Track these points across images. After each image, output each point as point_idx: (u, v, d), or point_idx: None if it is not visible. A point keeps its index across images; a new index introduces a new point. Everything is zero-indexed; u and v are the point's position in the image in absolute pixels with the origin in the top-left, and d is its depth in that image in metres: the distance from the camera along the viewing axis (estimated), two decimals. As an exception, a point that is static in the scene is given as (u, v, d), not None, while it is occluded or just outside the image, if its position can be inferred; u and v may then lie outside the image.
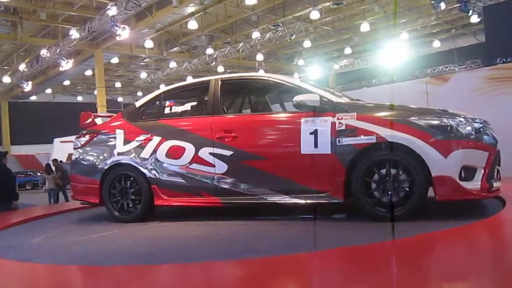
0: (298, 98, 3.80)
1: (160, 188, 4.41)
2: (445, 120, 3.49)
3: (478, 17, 15.24)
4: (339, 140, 3.62)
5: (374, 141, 3.51)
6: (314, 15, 16.46)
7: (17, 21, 16.89)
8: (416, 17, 19.38)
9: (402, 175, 3.47)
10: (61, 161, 12.96)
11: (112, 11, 13.92)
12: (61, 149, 19.46)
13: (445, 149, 3.37)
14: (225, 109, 4.41)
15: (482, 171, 3.42)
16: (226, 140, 4.10)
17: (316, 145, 3.71)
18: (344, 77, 26.23)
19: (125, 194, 4.60)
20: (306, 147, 3.74)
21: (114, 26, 14.23)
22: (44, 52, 17.68)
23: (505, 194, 3.76)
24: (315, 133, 3.72)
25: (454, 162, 3.35)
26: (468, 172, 3.40)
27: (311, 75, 24.11)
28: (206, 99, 4.52)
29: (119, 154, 4.67)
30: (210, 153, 4.17)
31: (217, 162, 4.14)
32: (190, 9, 15.89)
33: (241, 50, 20.04)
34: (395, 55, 20.53)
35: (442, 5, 14.87)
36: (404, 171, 3.46)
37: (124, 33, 14.66)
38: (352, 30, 20.58)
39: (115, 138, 4.74)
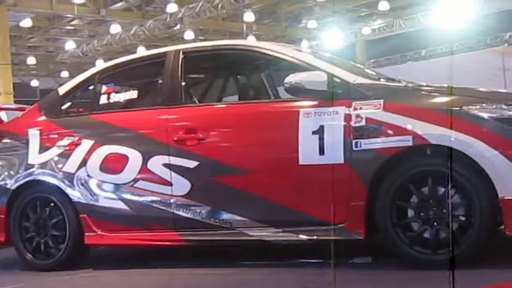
0: (292, 78, 3.77)
1: (92, 219, 4.46)
2: None
3: None
4: (356, 143, 3.58)
5: (411, 143, 3.45)
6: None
7: None
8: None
9: (454, 196, 3.38)
10: None
11: None
12: None
13: None
14: (187, 97, 4.44)
15: None
16: (189, 144, 4.12)
17: (322, 151, 3.68)
18: (379, 46, 26.36)
19: (43, 228, 4.65)
20: (307, 154, 3.72)
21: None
22: None
23: None
24: (320, 132, 3.69)
25: None
26: None
27: (329, 44, 24.21)
28: (160, 81, 4.57)
29: (31, 167, 4.72)
30: (165, 165, 4.19)
31: (175, 178, 4.15)
32: None
33: (220, 5, 20.05)
34: (455, 12, 20.67)
35: None
36: (459, 191, 3.38)
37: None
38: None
39: (27, 143, 4.80)
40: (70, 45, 25.51)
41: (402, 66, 10.78)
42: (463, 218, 3.37)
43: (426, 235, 3.43)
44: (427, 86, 3.96)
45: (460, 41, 21.62)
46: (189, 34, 22.94)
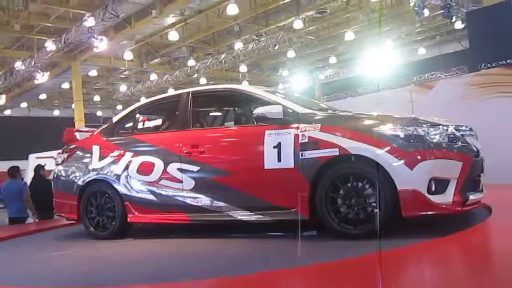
0: (258, 110, 3.76)
1: (133, 205, 4.46)
2: (411, 128, 3.34)
3: (462, 23, 15.56)
4: (302, 154, 3.54)
5: (337, 153, 3.42)
6: (297, 24, 16.62)
7: (-11, 33, 16.72)
8: (400, 24, 19.69)
9: (368, 189, 3.36)
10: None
11: (89, 22, 13.85)
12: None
13: (411, 160, 3.22)
14: (193, 123, 4.41)
15: (456, 183, 3.25)
16: (193, 155, 4.09)
17: (279, 159, 3.64)
18: (330, 87, 26.43)
19: (101, 211, 4.64)
20: (270, 161, 3.68)
21: (91, 38, 14.15)
22: (18, 64, 17.46)
23: (492, 202, 3.75)
24: (278, 146, 3.65)
25: (421, 174, 3.20)
26: (438, 184, 3.23)
27: (296, 86, 24.25)
28: (176, 113, 4.56)
29: (94, 170, 4.71)
30: (178, 169, 4.17)
31: (185, 178, 4.13)
32: (171, 19, 15.88)
33: (223, 61, 20.06)
34: (380, 63, 20.79)
35: (426, 12, 15.15)
36: (370, 185, 3.34)
37: (101, 45, 14.59)
38: (337, 39, 20.81)
39: (91, 154, 4.78)
40: (123, 87, 25.47)
41: (343, 101, 10.80)
42: (374, 204, 3.32)
43: (349, 216, 3.40)
44: (353, 113, 3.93)
45: (383, 82, 21.69)
46: (202, 80, 22.96)
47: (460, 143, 3.42)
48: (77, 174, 4.87)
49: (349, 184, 3.40)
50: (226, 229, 4.29)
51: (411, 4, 14.99)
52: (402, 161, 3.22)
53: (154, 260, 3.53)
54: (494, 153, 5.77)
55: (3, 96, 20.81)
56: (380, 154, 3.27)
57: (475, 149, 3.51)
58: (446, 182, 3.25)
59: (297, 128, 3.63)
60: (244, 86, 4.54)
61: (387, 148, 3.28)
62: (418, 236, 3.26)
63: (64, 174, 5.00)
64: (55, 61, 18.98)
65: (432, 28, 20.86)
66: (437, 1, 14.34)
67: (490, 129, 6.24)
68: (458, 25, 16.65)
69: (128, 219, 4.48)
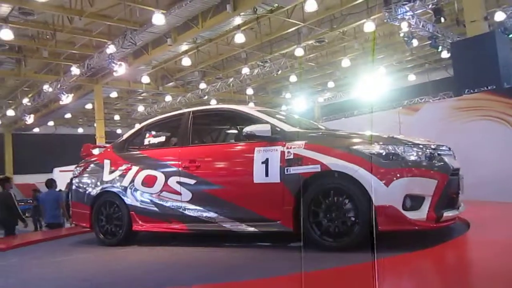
0: (248, 129, 3.69)
1: (137, 215, 4.44)
2: (388, 147, 3.23)
3: (448, 53, 15.60)
4: (287, 169, 3.45)
5: (319, 170, 3.32)
6: (299, 52, 16.74)
7: (21, 59, 16.95)
8: (392, 53, 19.80)
9: (347, 204, 3.23)
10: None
11: (110, 49, 14.07)
12: (60, 178, 19.19)
13: (387, 178, 3.10)
14: (192, 140, 4.36)
15: (430, 200, 3.12)
16: (191, 169, 4.04)
17: (267, 174, 3.55)
18: (328, 108, 26.46)
19: (110, 219, 4.62)
20: (258, 176, 3.60)
21: (111, 63, 14.35)
22: (46, 87, 17.73)
23: (470, 218, 3.66)
24: (266, 162, 3.57)
25: (397, 191, 3.07)
26: (414, 201, 3.10)
27: (297, 108, 24.29)
28: (179, 130, 4.53)
29: (104, 182, 4.70)
30: (177, 182, 4.12)
31: (183, 190, 4.08)
32: (184, 47, 16.07)
33: (231, 84, 20.21)
34: (374, 88, 20.83)
35: (415, 42, 15.23)
36: (350, 200, 3.22)
37: (120, 69, 14.79)
38: (334, 65, 20.93)
39: (103, 168, 4.78)
40: (140, 108, 25.60)
41: (337, 121, 10.80)
42: (353, 218, 3.21)
43: (330, 229, 3.28)
44: (337, 132, 3.86)
45: (376, 105, 21.68)
46: (213, 102, 22.96)
47: (436, 162, 3.30)
48: (90, 186, 4.87)
49: (329, 199, 3.29)
50: (222, 238, 4.23)
51: (402, 35, 15.09)
52: (379, 178, 3.11)
53: (144, 266, 3.47)
54: (475, 172, 5.75)
55: (32, 116, 20.99)
56: (358, 171, 3.17)
57: (451, 167, 3.37)
58: (421, 199, 3.13)
59: (284, 145, 3.55)
60: (238, 106, 4.48)
61: (365, 166, 3.16)
62: (395, 249, 3.06)
63: (79, 186, 5.01)
64: (79, 84, 19.26)
65: (421, 56, 20.93)
66: (425, 32, 14.41)
67: (471, 149, 6.19)
68: (445, 54, 16.71)
69: (133, 228, 4.46)
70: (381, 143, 3.30)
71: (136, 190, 4.43)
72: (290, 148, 3.51)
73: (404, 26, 13.49)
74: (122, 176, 4.58)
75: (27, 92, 20.81)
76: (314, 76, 22.91)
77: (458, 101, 7.06)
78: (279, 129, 3.69)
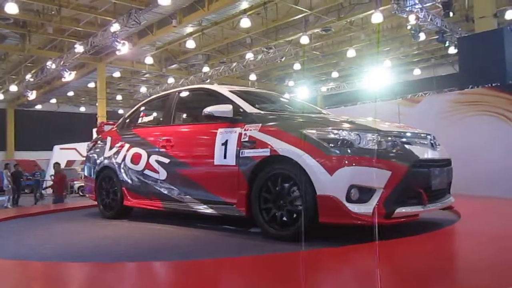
0: (207, 109, 3.57)
1: (128, 191, 4.54)
2: (340, 132, 2.92)
3: (455, 48, 15.48)
4: (242, 152, 3.32)
5: (268, 154, 3.13)
6: (304, 40, 16.63)
7: (25, 34, 16.88)
8: (398, 46, 19.66)
9: (294, 192, 2.99)
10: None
11: (114, 27, 14.00)
12: (60, 155, 19.28)
13: (332, 166, 2.80)
14: (174, 120, 4.35)
15: (381, 193, 2.78)
16: (167, 149, 4.05)
17: (225, 156, 3.44)
18: (331, 99, 26.42)
19: (108, 194, 4.80)
20: (218, 157, 3.50)
21: (115, 42, 14.30)
22: (49, 63, 17.69)
23: (464, 213, 3.60)
24: (225, 144, 3.46)
25: (341, 181, 2.77)
26: (361, 193, 2.79)
27: (301, 96, 24.23)
28: (164, 109, 4.56)
29: (105, 158, 4.84)
30: (156, 160, 4.15)
31: (160, 169, 4.09)
32: (189, 29, 15.98)
33: (235, 69, 20.15)
34: (378, 80, 20.76)
35: (422, 36, 15.12)
36: (297, 188, 2.97)
37: (123, 48, 14.73)
38: (339, 55, 20.80)
39: (105, 144, 4.94)
40: (143, 89, 25.58)
41: (337, 109, 10.79)
42: (300, 207, 2.95)
43: (277, 217, 3.10)
44: (289, 114, 3.73)
45: (380, 97, 21.61)
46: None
47: (395, 150, 2.93)
48: (96, 161, 5.04)
49: (278, 186, 3.09)
50: (195, 218, 4.15)
51: (409, 28, 14.96)
52: (322, 166, 2.83)
53: (114, 241, 3.52)
54: (472, 166, 5.75)
55: (34, 92, 20.98)
56: (302, 157, 2.92)
57: (417, 158, 2.99)
58: (371, 191, 2.80)
59: (243, 127, 3.39)
60: (212, 86, 4.41)
61: (310, 151, 2.90)
62: (351, 240, 2.82)
63: (89, 161, 5.22)
64: (83, 62, 19.21)
65: (428, 51, 20.79)
66: (433, 26, 14.29)
67: (470, 143, 6.18)
68: (452, 50, 16.58)
69: (124, 203, 4.55)
70: (331, 127, 3.04)
71: (126, 167, 4.52)
72: (248, 130, 3.36)
73: (412, 19, 13.36)
74: (117, 153, 4.69)
75: (31, 68, 20.75)
76: (318, 65, 22.80)
77: (459, 95, 7.03)
78: (241, 110, 3.55)
